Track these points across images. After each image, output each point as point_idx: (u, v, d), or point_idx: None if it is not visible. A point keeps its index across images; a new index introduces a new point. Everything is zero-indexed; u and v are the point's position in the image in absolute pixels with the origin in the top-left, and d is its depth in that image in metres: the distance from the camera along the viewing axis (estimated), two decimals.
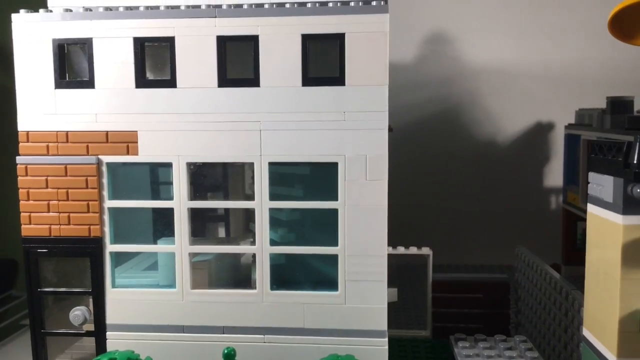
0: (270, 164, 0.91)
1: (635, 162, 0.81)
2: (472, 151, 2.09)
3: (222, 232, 1.07)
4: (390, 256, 1.49)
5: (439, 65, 2.13)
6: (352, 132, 0.88)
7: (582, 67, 2.02)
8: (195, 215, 0.97)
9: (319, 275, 0.96)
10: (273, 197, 0.92)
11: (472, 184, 2.07)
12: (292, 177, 1.00)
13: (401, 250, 1.48)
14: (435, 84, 2.12)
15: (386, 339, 0.93)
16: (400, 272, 1.74)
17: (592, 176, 0.96)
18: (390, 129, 1.83)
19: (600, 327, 0.93)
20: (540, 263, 1.36)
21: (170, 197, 0.93)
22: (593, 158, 0.97)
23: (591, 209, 0.96)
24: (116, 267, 0.98)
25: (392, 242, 1.46)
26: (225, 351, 0.84)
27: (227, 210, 1.05)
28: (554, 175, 2.04)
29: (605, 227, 0.91)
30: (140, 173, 0.99)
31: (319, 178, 0.94)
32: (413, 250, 1.49)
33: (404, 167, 2.10)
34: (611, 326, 0.88)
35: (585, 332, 0.98)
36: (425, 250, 1.49)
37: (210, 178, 1.02)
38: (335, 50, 0.87)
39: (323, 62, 0.89)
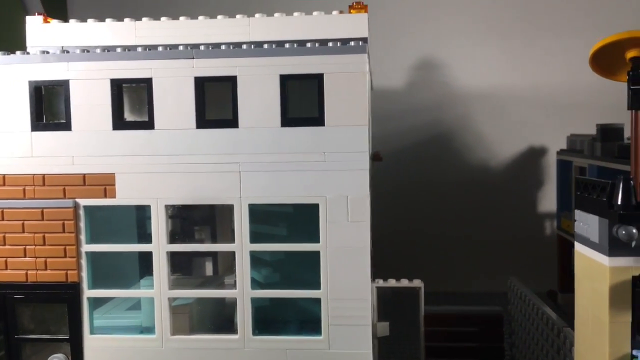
0: (251, 205, 0.89)
1: (619, 203, 0.79)
2: (465, 177, 2.08)
3: (209, 269, 1.05)
4: (381, 289, 1.47)
5: (429, 91, 2.13)
6: (332, 173, 0.87)
7: (573, 92, 2.02)
8: (181, 253, 0.95)
9: (303, 317, 0.94)
10: (255, 236, 0.90)
11: (464, 210, 2.05)
12: (275, 216, 0.98)
13: (392, 282, 1.46)
14: (426, 110, 2.12)
15: None
16: (392, 305, 1.72)
17: (579, 214, 0.94)
18: (379, 158, 1.82)
19: None
20: (532, 296, 1.34)
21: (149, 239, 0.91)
22: (579, 196, 0.95)
23: (578, 247, 0.94)
24: (99, 307, 0.95)
25: (384, 271, 1.44)
26: None
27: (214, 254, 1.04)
28: (548, 200, 2.03)
29: (592, 267, 0.89)
30: (120, 216, 0.97)
31: (302, 218, 0.92)
32: (404, 282, 1.46)
33: (395, 194, 2.08)
34: None
35: None
36: (417, 283, 1.46)
37: (196, 217, 1.00)
38: (314, 91, 0.86)
39: (302, 102, 0.88)
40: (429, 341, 1.40)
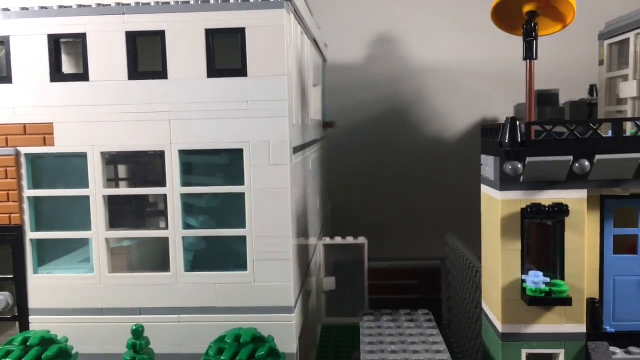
0: (181, 151, 0.97)
1: (506, 141, 0.88)
2: (420, 147, 2.17)
3: (162, 223, 1.13)
4: (327, 246, 1.56)
5: (386, 65, 2.21)
6: (255, 120, 0.95)
7: (522, 64, 2.11)
8: (139, 208, 1.02)
9: (232, 257, 1.02)
10: (187, 185, 0.98)
11: (418, 178, 2.15)
12: (204, 167, 1.06)
13: (338, 240, 1.55)
14: (383, 83, 2.20)
15: (293, 314, 0.99)
16: (338, 263, 1.81)
17: (483, 158, 1.04)
18: (331, 125, 1.90)
19: (490, 297, 1.00)
20: (464, 247, 1.44)
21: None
22: (483, 141, 1.05)
23: (483, 189, 1.04)
24: (53, 261, 1.02)
25: (334, 234, 1.53)
26: (133, 327, 0.89)
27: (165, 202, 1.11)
28: None
29: (490, 203, 0.99)
30: (62, 163, 1.04)
31: (228, 166, 1.00)
32: (349, 239, 1.55)
33: (354, 164, 2.17)
34: (496, 295, 0.95)
35: (483, 305, 1.06)
36: (361, 240, 1.55)
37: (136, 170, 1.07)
38: (237, 44, 0.93)
39: (226, 55, 0.95)
40: (372, 294, 1.51)
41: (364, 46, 2.24)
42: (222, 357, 0.86)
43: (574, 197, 0.91)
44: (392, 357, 0.85)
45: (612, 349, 0.94)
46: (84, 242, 1.10)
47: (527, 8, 0.96)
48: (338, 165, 2.17)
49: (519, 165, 0.89)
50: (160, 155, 0.98)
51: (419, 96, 2.21)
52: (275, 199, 0.96)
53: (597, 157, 0.87)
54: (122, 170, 1.09)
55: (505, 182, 0.92)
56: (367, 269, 1.52)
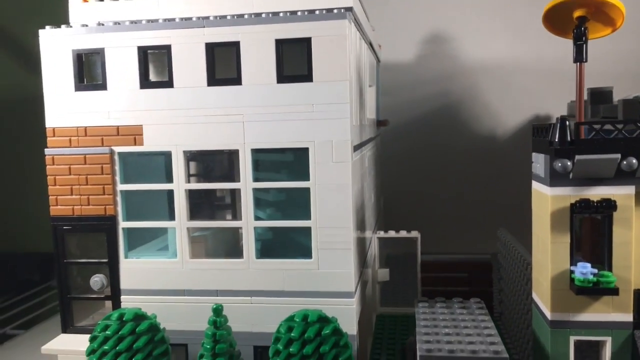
0: (253, 150, 1.08)
1: (556, 140, 0.94)
2: (473, 145, 2.21)
3: (229, 216, 1.25)
4: (382, 239, 1.64)
5: (438, 63, 2.26)
6: (319, 122, 1.04)
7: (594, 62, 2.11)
8: (207, 203, 1.13)
9: (298, 247, 1.12)
10: (256, 181, 1.09)
11: (471, 176, 2.19)
12: (274, 165, 1.16)
13: (392, 233, 1.63)
14: (435, 81, 2.25)
15: (354, 299, 1.08)
16: (392, 256, 1.89)
17: (534, 156, 1.10)
18: (385, 124, 1.98)
19: (540, 288, 1.06)
20: (516, 243, 1.49)
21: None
22: (534, 140, 1.10)
23: (534, 185, 1.10)
24: (137, 248, 1.16)
25: (387, 229, 1.60)
26: (214, 306, 1.01)
27: (233, 197, 1.23)
28: None
29: (540, 199, 1.05)
30: (151, 162, 1.17)
31: (295, 163, 1.10)
32: (403, 233, 1.63)
33: (406, 160, 2.24)
34: (546, 285, 1.02)
35: (533, 295, 1.12)
36: (414, 234, 1.63)
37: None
38: (304, 52, 1.03)
39: (294, 62, 1.05)
40: (425, 286, 1.58)
41: (416, 46, 2.29)
42: (292, 334, 0.96)
43: (622, 193, 0.96)
44: (447, 342, 0.92)
45: None
46: (163, 232, 1.23)
47: (577, 13, 1.01)
48: (391, 161, 2.24)
49: (569, 163, 0.95)
50: (234, 153, 1.10)
51: (471, 94, 2.25)
52: (338, 193, 1.05)
53: None
54: (200, 167, 1.21)
55: (555, 178, 0.98)
56: (420, 261, 1.59)
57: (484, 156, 2.19)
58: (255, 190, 1.12)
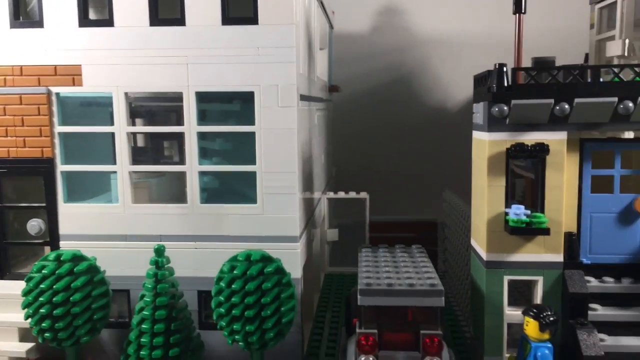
0: (197, 93, 1.06)
1: (494, 85, 0.97)
2: (423, 116, 2.25)
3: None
4: (332, 200, 1.66)
5: (392, 35, 2.28)
6: (265, 66, 1.04)
7: (525, 37, 2.17)
8: (153, 148, 1.11)
9: (245, 193, 1.12)
10: (202, 135, 1.08)
11: (422, 145, 2.23)
12: (221, 111, 1.15)
13: (341, 194, 1.65)
14: (388, 53, 2.28)
15: (298, 244, 1.09)
16: (342, 217, 1.91)
17: (474, 106, 1.13)
18: (336, 89, 1.98)
19: (477, 233, 1.10)
20: (457, 200, 1.53)
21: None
22: (475, 91, 1.13)
23: (474, 135, 1.13)
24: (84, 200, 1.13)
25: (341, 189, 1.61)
26: (156, 246, 1.00)
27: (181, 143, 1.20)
28: None
29: (479, 146, 1.08)
30: (93, 104, 1.14)
31: (239, 112, 1.09)
32: (352, 194, 1.65)
33: (357, 130, 2.26)
34: (482, 228, 1.05)
35: (472, 242, 1.16)
36: (363, 195, 1.65)
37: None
38: None
39: (240, 4, 1.04)
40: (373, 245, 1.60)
41: (371, 17, 2.30)
42: (235, 272, 0.96)
43: (555, 139, 1.00)
44: (387, 277, 0.95)
45: (587, 278, 1.04)
46: (108, 183, 1.21)
47: None
48: (344, 130, 2.26)
49: (505, 108, 0.98)
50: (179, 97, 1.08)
51: (423, 66, 2.29)
52: (283, 138, 1.06)
53: (576, 100, 0.96)
54: (145, 111, 1.19)
55: (493, 124, 1.01)
56: (369, 222, 1.62)
57: (434, 126, 2.23)
58: (202, 139, 1.11)
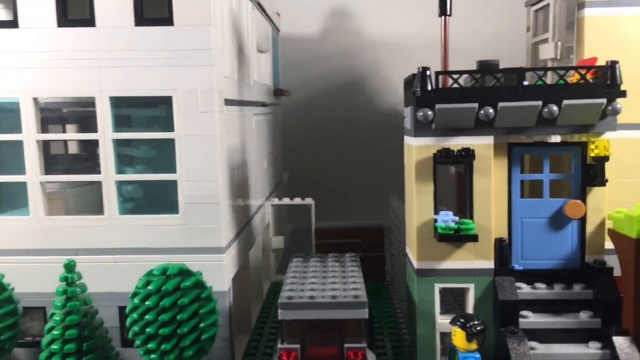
0: (112, 98, 1.00)
1: (417, 89, 0.94)
2: (375, 120, 2.23)
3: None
4: (277, 207, 1.61)
5: (342, 38, 2.26)
6: (182, 69, 0.99)
7: (474, 40, 2.17)
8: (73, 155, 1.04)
9: (167, 202, 1.06)
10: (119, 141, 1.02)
11: (373, 151, 2.21)
12: (143, 119, 1.10)
13: (286, 200, 1.60)
14: (339, 56, 2.25)
15: (224, 255, 1.04)
16: (289, 224, 1.87)
17: (405, 110, 1.10)
18: (283, 93, 1.93)
19: (410, 240, 1.07)
20: (401, 205, 1.50)
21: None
22: (405, 94, 1.11)
23: (405, 139, 1.10)
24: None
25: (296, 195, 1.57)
26: (66, 262, 0.93)
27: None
28: None
29: (409, 152, 1.05)
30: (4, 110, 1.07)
31: (162, 117, 1.04)
32: (297, 200, 1.61)
33: (309, 134, 2.22)
34: (413, 235, 1.02)
35: (406, 249, 1.13)
36: (308, 201, 1.61)
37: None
38: None
39: (154, 4, 0.99)
40: (320, 252, 1.56)
41: (322, 19, 2.27)
42: (150, 288, 0.91)
43: (481, 143, 0.98)
44: (311, 289, 0.91)
45: (519, 284, 1.02)
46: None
47: None
48: (296, 134, 2.22)
49: (430, 112, 0.95)
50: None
51: (374, 69, 2.27)
52: (204, 144, 1.01)
53: (500, 104, 0.94)
54: (61, 119, 1.12)
55: (419, 129, 0.98)
56: (315, 228, 1.58)
57: (384, 130, 2.21)
58: (126, 146, 1.05)
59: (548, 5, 1.27)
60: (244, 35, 1.30)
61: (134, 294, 0.93)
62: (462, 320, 0.89)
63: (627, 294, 0.93)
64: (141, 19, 0.98)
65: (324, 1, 2.24)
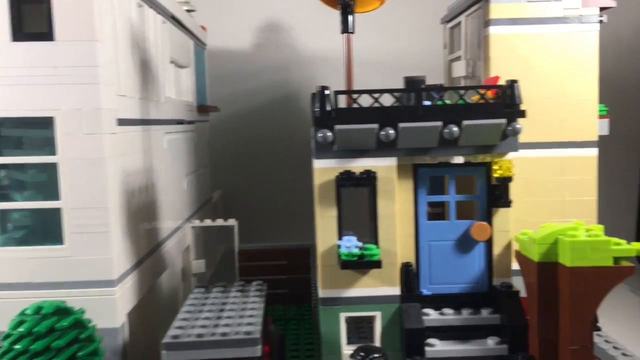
0: None
1: (316, 109, 0.90)
2: (306, 137, 2.18)
3: None
4: (198, 229, 1.53)
5: (276, 53, 2.21)
6: (65, 87, 0.91)
7: (408, 56, 2.17)
8: None
9: (52, 231, 0.98)
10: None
11: (307, 168, 2.16)
12: (30, 141, 1.01)
13: (208, 222, 1.53)
14: (272, 71, 2.20)
15: (116, 288, 0.96)
16: (212, 246, 1.79)
17: (311, 131, 1.05)
18: (208, 109, 1.87)
19: (318, 266, 1.02)
20: None
21: None
22: (312, 113, 1.06)
23: (313, 161, 1.05)
24: None
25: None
26: None
27: None
28: None
29: (314, 172, 1.00)
30: None
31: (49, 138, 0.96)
32: (219, 222, 1.54)
33: (241, 151, 2.16)
34: (319, 262, 0.97)
35: (318, 275, 1.07)
36: (231, 222, 1.54)
37: None
38: (44, 7, 0.89)
39: (34, 17, 0.91)
40: (245, 275, 1.50)
41: (253, 34, 2.23)
42: (20, 329, 0.82)
43: (384, 165, 0.95)
44: (202, 326, 0.84)
45: (427, 310, 0.99)
46: None
47: None
48: (229, 152, 2.15)
49: (329, 134, 0.91)
50: None
51: (308, 84, 2.23)
52: (92, 169, 0.93)
53: (401, 125, 0.91)
54: None
55: (321, 150, 0.94)
56: (239, 250, 1.52)
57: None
58: (14, 169, 0.96)
59: (460, 22, 1.26)
60: (150, 50, 1.23)
61: (6, 336, 0.84)
62: (362, 353, 0.85)
63: (532, 318, 0.91)
64: (19, 34, 0.89)
65: (256, 16, 2.20)
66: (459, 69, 1.23)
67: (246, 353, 0.80)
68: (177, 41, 1.53)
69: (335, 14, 2.16)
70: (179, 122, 1.55)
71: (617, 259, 0.84)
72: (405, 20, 2.09)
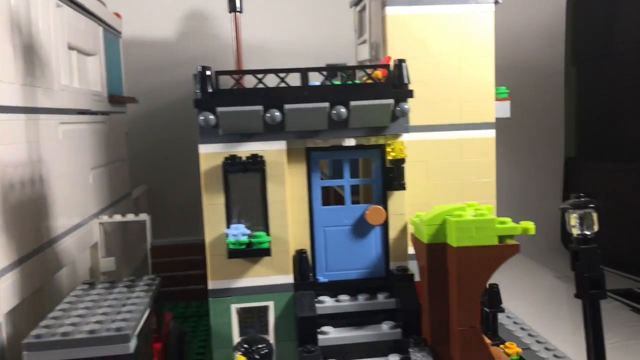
0: None
1: (197, 91, 0.85)
2: None
3: None
4: (107, 225, 1.45)
5: (201, 42, 2.14)
6: None
7: (336, 45, 2.14)
8: None
9: None
10: None
11: None
12: None
13: (117, 217, 1.45)
14: (197, 61, 2.12)
15: None
16: (132, 244, 1.71)
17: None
18: (122, 100, 1.78)
19: (207, 257, 0.97)
20: None
21: None
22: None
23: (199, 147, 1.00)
24: None
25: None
26: None
27: None
28: None
29: (200, 159, 0.95)
30: None
31: None
32: (130, 217, 1.46)
33: (165, 145, 2.08)
34: (207, 253, 0.93)
35: None
36: (143, 217, 1.47)
37: None
38: None
39: None
40: (160, 272, 1.42)
41: (177, 23, 2.15)
42: None
43: (273, 149, 0.91)
44: (71, 324, 0.78)
45: (322, 298, 0.96)
46: None
47: None
48: (154, 146, 2.07)
49: (212, 117, 0.87)
50: None
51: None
52: None
53: (286, 106, 0.87)
54: None
55: (206, 135, 0.90)
56: (151, 247, 1.45)
57: None
58: None
59: (365, 5, 1.24)
60: (39, 35, 1.15)
61: None
62: (245, 345, 0.81)
63: (424, 301, 0.89)
64: None
65: (178, 4, 2.12)
66: (364, 53, 1.21)
67: (116, 350, 0.75)
68: (77, 26, 1.44)
69: (260, 2, 2.13)
70: (82, 112, 1.46)
71: (502, 239, 0.83)
72: (325, 5, 2.07)
